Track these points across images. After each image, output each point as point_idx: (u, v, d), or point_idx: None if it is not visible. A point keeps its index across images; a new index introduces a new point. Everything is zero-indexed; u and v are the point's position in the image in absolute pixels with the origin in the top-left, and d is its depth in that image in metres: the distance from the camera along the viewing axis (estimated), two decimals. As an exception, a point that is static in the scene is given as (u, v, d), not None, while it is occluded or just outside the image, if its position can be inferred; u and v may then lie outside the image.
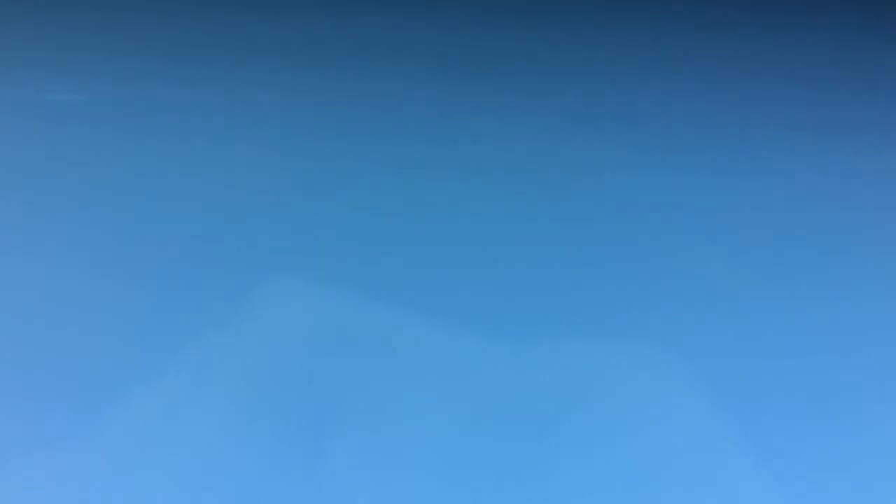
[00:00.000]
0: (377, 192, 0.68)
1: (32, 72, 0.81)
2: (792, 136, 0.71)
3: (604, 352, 0.55)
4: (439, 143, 0.72)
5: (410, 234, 0.64)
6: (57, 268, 0.62)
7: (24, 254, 0.63)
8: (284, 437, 0.51)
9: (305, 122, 0.75)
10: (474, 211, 0.66)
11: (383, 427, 0.52)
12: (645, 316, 0.57)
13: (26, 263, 0.62)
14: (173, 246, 0.63)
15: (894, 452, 0.49)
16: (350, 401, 0.53)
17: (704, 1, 0.87)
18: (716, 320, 0.57)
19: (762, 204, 0.65)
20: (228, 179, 0.69)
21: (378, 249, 0.63)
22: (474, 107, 0.76)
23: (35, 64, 0.83)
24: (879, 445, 0.50)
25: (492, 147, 0.72)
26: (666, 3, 0.88)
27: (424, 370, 0.54)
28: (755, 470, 0.49)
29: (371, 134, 0.73)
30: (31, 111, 0.77)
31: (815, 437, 0.50)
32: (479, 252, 0.62)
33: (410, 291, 0.59)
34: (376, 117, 0.75)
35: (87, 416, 0.53)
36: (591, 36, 0.85)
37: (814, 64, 0.79)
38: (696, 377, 0.53)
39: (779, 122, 0.72)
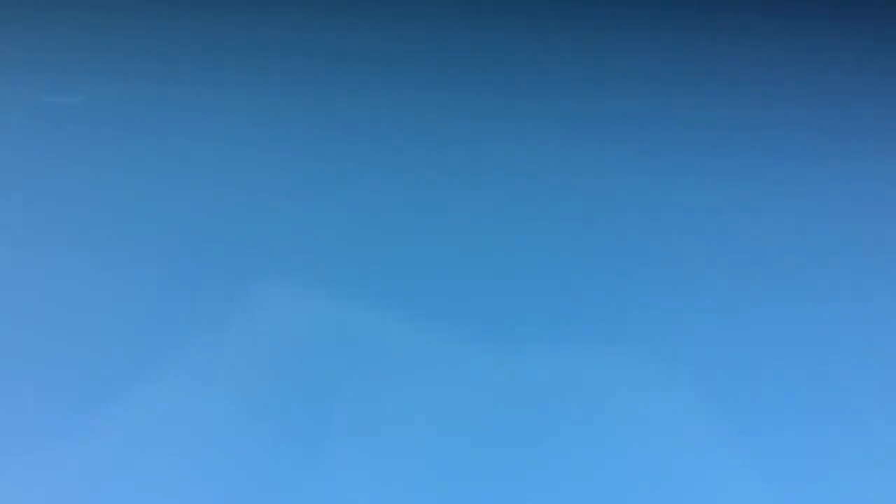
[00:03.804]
0: (374, 195, 0.68)
1: (32, 74, 0.82)
2: (793, 142, 0.71)
3: (599, 357, 0.55)
4: (437, 147, 0.72)
5: (407, 237, 0.64)
6: (53, 268, 0.62)
7: (24, 254, 0.63)
8: (278, 438, 0.51)
9: (304, 125, 0.75)
10: (471, 215, 0.66)
11: (379, 429, 0.52)
12: (641, 320, 0.57)
13: (25, 263, 0.62)
14: (171, 247, 0.63)
15: (892, 459, 0.49)
16: (345, 403, 0.53)
17: (704, 7, 0.87)
18: (713, 324, 0.57)
19: (761, 209, 0.65)
20: (224, 182, 0.69)
21: (375, 252, 0.63)
22: (472, 111, 0.76)
23: (35, 66, 0.83)
24: (877, 452, 0.50)
25: (490, 151, 0.72)
26: (666, 8, 0.88)
27: (420, 374, 0.54)
28: (752, 477, 0.49)
29: (369, 138, 0.74)
30: (30, 113, 0.77)
31: (813, 444, 0.50)
32: (476, 256, 0.62)
33: (407, 295, 0.60)
34: (374, 121, 0.76)
35: (78, 417, 0.53)
36: (592, 41, 0.85)
37: (817, 68, 0.79)
38: (693, 382, 0.54)
39: (779, 128, 0.72)
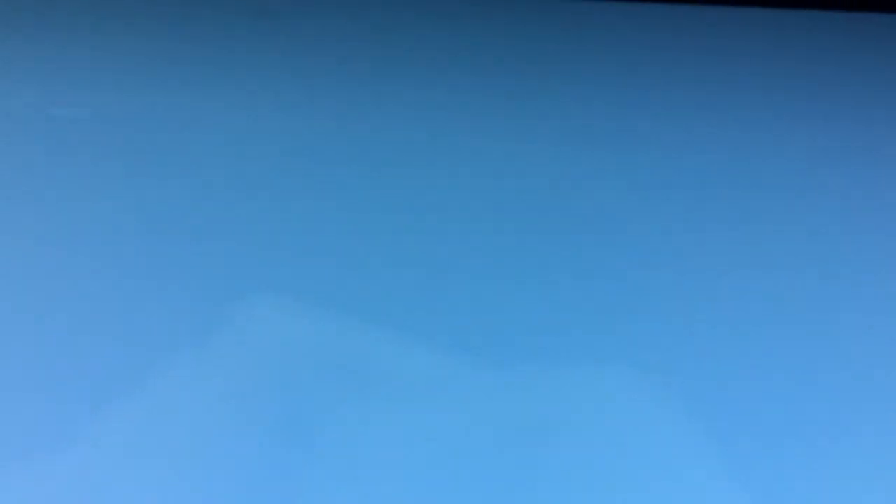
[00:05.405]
0: (367, 210, 0.68)
1: (36, 86, 0.82)
2: (788, 161, 0.71)
3: (593, 372, 0.55)
4: (430, 164, 0.73)
5: (403, 247, 0.64)
6: (52, 273, 0.63)
7: (24, 259, 0.64)
8: (262, 455, 0.51)
9: (302, 133, 0.76)
10: (463, 231, 0.66)
11: (370, 442, 0.52)
12: (633, 339, 0.57)
13: (25, 269, 0.63)
14: (167, 255, 0.64)
15: (881, 471, 0.50)
16: (336, 414, 0.53)
17: (703, 28, 0.88)
18: (703, 343, 0.57)
19: (753, 224, 0.66)
20: (212, 194, 0.70)
21: (367, 269, 0.63)
22: (467, 126, 0.76)
23: (39, 78, 0.83)
24: (873, 465, 0.50)
25: (484, 167, 0.72)
26: (668, 16, 0.89)
27: (412, 383, 0.54)
28: (744, 498, 0.49)
29: (362, 154, 0.74)
30: (34, 123, 0.78)
31: (802, 462, 0.50)
32: (466, 273, 0.62)
33: (401, 304, 0.60)
34: (369, 136, 0.76)
35: (67, 420, 0.53)
36: (591, 56, 0.85)
37: (812, 84, 0.80)
38: (683, 402, 0.54)
39: (776, 145, 0.73)
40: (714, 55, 0.85)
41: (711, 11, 0.93)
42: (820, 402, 0.53)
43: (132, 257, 0.64)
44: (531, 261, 0.63)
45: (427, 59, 0.86)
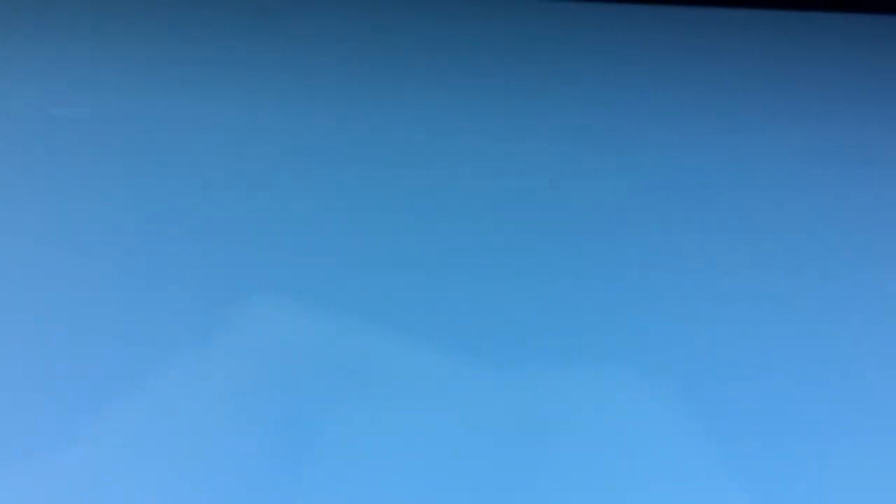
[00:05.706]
0: (368, 210, 0.68)
1: (37, 86, 0.82)
2: (786, 162, 0.71)
3: (589, 377, 0.55)
4: (430, 164, 0.73)
5: (400, 254, 0.64)
6: (51, 273, 0.63)
7: (24, 260, 0.64)
8: (262, 455, 0.51)
9: (297, 138, 0.76)
10: (463, 231, 0.66)
11: (370, 442, 0.52)
12: (633, 339, 0.57)
13: (25, 269, 0.63)
14: (166, 256, 0.64)
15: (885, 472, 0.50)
16: (330, 424, 0.53)
17: (702, 30, 0.88)
18: (703, 343, 0.57)
19: (753, 224, 0.66)
20: (212, 194, 0.70)
21: (367, 269, 0.63)
22: (467, 126, 0.77)
23: (40, 78, 0.83)
24: (875, 466, 0.50)
25: (484, 167, 0.72)
26: (661, 28, 0.89)
27: (409, 393, 0.55)
28: (744, 498, 0.49)
29: (362, 154, 0.74)
30: (34, 123, 0.78)
31: (802, 462, 0.50)
32: (466, 273, 0.63)
33: (396, 313, 0.60)
34: (369, 136, 0.76)
35: (63, 421, 0.53)
36: (591, 57, 0.85)
37: (813, 85, 0.80)
38: (683, 402, 0.54)
39: (776, 145, 0.73)
40: (714, 57, 0.85)
41: (711, 13, 0.93)
42: (820, 402, 0.53)
43: (132, 257, 0.64)
44: (531, 261, 0.63)
45: (427, 59, 0.86)
